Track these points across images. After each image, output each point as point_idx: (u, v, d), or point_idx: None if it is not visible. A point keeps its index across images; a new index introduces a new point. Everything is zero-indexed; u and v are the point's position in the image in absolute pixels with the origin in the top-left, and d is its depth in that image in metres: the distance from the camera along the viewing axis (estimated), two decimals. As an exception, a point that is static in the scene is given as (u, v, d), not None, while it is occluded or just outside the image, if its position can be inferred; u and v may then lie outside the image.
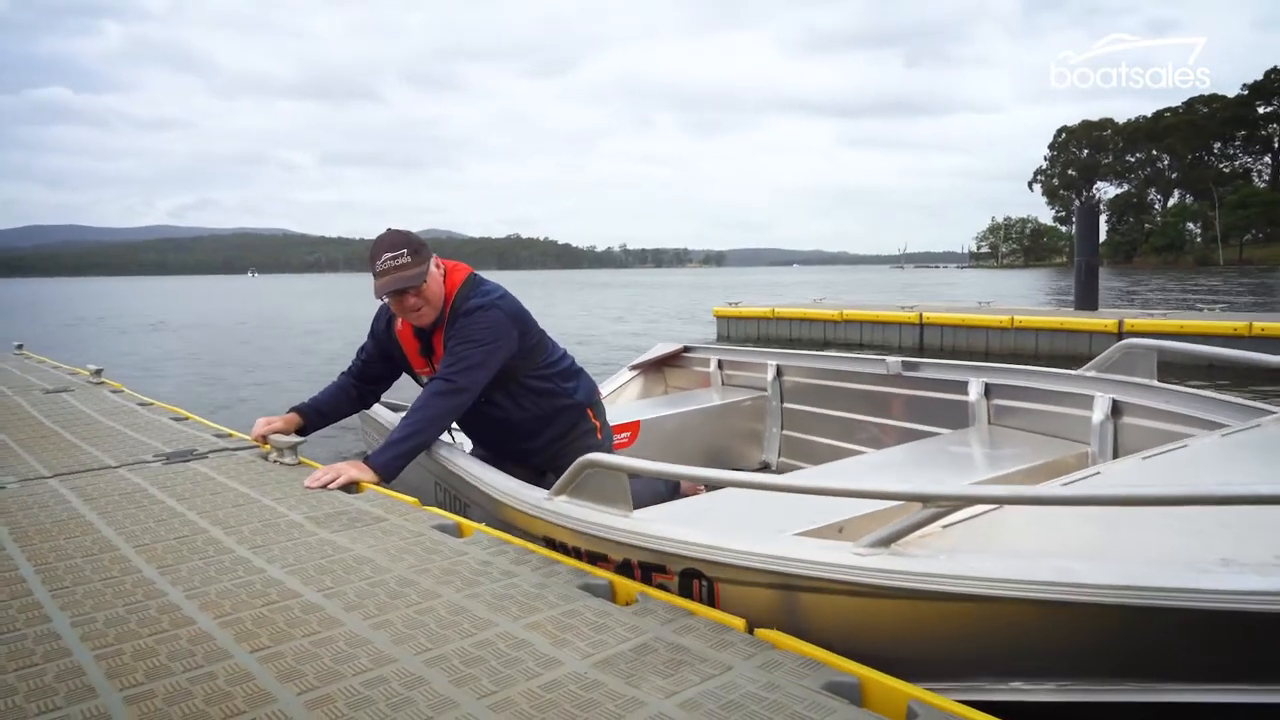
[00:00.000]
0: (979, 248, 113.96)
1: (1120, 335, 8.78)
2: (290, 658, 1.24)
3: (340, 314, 24.95)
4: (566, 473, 1.78)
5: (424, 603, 1.44)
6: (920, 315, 11.30)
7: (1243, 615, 1.06)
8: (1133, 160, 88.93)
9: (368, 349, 2.64)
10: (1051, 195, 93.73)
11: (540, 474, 2.52)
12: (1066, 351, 9.36)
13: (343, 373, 2.70)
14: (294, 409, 2.64)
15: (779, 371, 3.91)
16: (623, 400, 4.24)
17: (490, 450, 2.59)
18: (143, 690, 1.14)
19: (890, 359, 3.43)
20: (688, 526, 1.58)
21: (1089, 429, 2.73)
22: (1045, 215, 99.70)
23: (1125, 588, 1.11)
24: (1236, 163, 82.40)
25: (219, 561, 1.66)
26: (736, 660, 1.21)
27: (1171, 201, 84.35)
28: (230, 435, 2.98)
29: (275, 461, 2.50)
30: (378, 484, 2.22)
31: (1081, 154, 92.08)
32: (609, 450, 2.68)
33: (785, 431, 3.89)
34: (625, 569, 1.65)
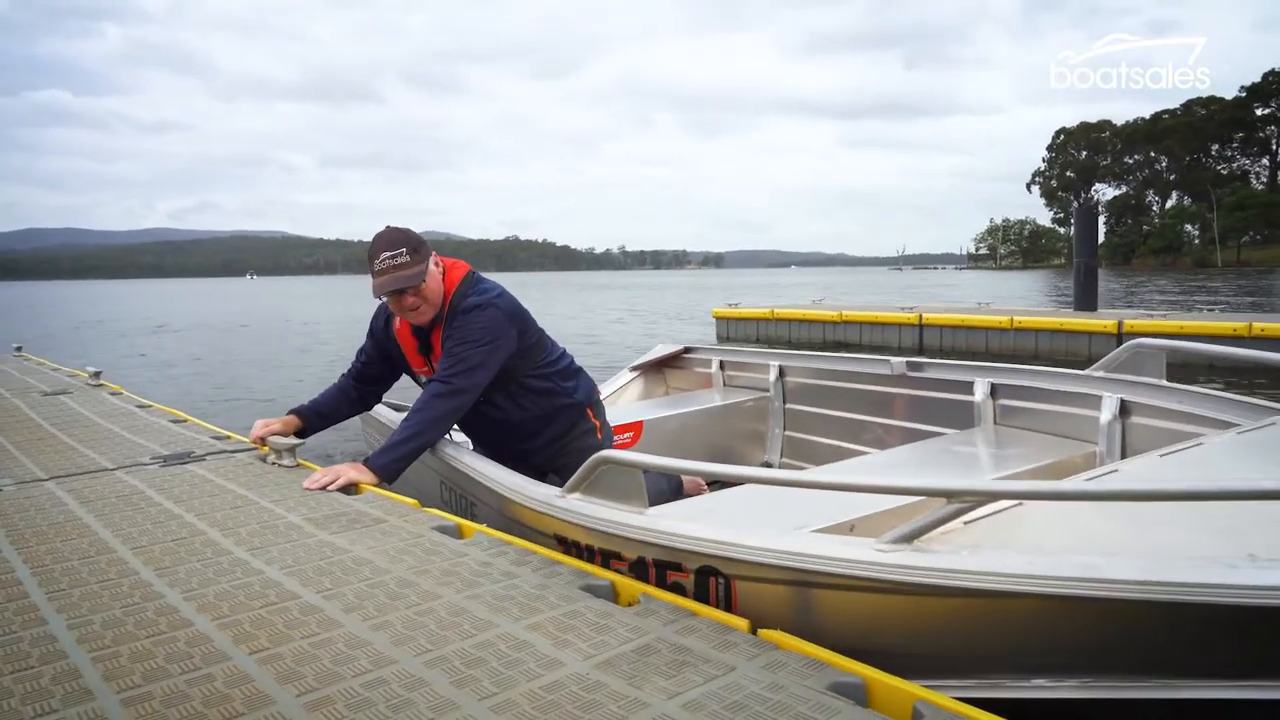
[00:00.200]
0: (977, 249, 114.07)
1: (1120, 336, 8.78)
2: (289, 659, 1.22)
3: (340, 315, 24.95)
4: (580, 470, 1.77)
5: (424, 604, 1.43)
6: (920, 316, 11.31)
7: (1273, 611, 1.05)
8: (1131, 162, 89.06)
9: (367, 349, 2.63)
10: (1050, 197, 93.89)
11: (540, 474, 2.49)
12: (1066, 352, 9.37)
13: (343, 374, 2.69)
14: (293, 411, 2.62)
15: (781, 372, 3.90)
16: (624, 401, 4.23)
17: (490, 450, 2.58)
18: (141, 692, 1.13)
19: (895, 359, 3.42)
20: (702, 524, 1.56)
21: (1097, 429, 2.71)
22: (1043, 217, 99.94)
23: (1156, 583, 1.10)
24: (1234, 165, 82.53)
25: (217, 563, 1.65)
26: (740, 661, 1.20)
27: (1169, 203, 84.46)
28: (228, 437, 2.96)
29: (274, 463, 2.49)
30: (377, 486, 2.21)
31: (1080, 156, 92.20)
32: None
33: (788, 432, 3.88)
34: (639, 567, 1.64)
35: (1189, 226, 74.34)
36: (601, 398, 2.76)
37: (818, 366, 3.78)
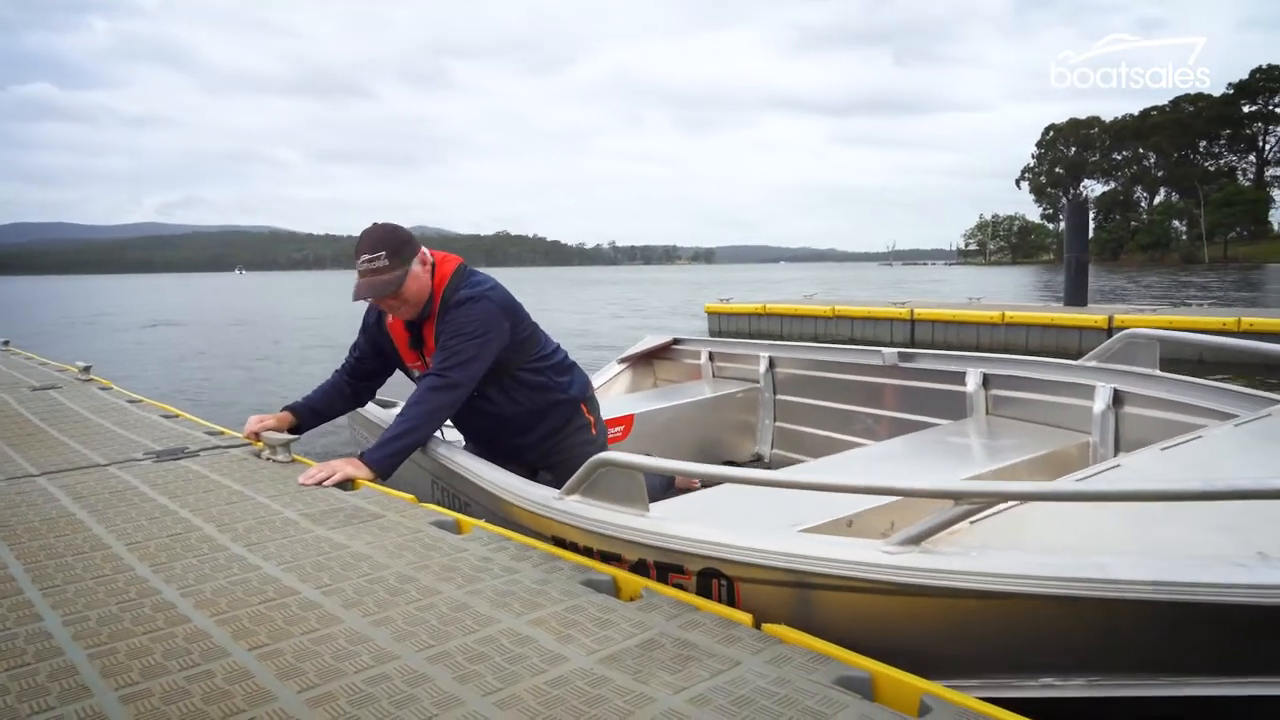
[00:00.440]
0: (967, 245, 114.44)
1: (1110, 331, 8.82)
2: (290, 655, 1.21)
3: (331, 310, 24.82)
4: (579, 472, 1.74)
5: (424, 599, 1.42)
6: (911, 311, 11.34)
7: None
8: (1119, 158, 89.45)
9: (360, 345, 2.61)
10: (1039, 193, 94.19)
11: (533, 472, 2.47)
12: (1057, 347, 9.42)
13: (337, 370, 2.67)
14: (287, 407, 2.60)
15: (771, 363, 3.88)
16: (614, 393, 4.21)
17: (482, 446, 2.56)
18: (139, 689, 1.12)
19: (886, 350, 3.41)
20: (704, 525, 1.54)
21: (1090, 419, 2.72)
22: (1033, 213, 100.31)
23: (1168, 584, 1.09)
24: (1222, 161, 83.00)
25: (213, 559, 1.63)
26: (745, 655, 1.20)
27: (1158, 199, 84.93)
28: (222, 433, 2.94)
29: (268, 459, 2.47)
30: (373, 481, 2.20)
31: (1069, 152, 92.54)
32: (604, 447, 2.65)
33: (779, 424, 3.86)
34: (640, 569, 1.62)
35: (1177, 222, 74.79)
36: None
37: (808, 358, 3.76)
